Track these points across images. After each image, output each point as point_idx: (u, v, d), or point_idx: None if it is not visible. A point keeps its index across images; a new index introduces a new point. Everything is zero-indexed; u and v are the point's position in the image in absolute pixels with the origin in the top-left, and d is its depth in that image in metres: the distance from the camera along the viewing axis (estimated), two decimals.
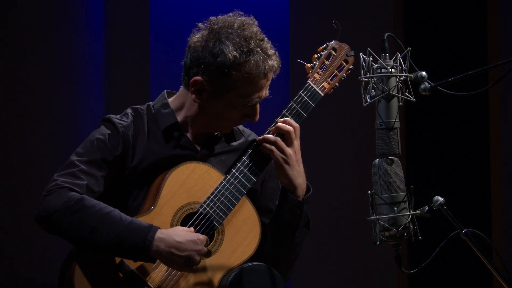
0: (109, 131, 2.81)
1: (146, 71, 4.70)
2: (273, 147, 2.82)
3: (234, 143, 2.94)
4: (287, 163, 2.82)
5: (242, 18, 2.83)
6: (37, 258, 4.59)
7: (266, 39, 2.83)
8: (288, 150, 2.82)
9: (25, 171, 4.56)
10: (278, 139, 2.82)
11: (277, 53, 2.84)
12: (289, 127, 2.83)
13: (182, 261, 2.66)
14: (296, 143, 2.84)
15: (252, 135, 3.00)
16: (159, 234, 2.65)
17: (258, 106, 2.84)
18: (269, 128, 2.85)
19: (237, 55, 2.75)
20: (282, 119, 2.85)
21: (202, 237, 2.70)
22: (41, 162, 4.56)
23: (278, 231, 2.87)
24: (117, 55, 4.69)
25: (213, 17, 2.85)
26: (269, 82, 2.82)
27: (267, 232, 2.90)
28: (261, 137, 2.84)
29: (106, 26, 4.71)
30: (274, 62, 2.80)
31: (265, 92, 2.83)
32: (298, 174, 2.84)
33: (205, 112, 2.84)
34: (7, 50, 4.61)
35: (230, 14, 2.85)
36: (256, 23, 2.84)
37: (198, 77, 2.80)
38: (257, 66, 2.76)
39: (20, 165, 4.58)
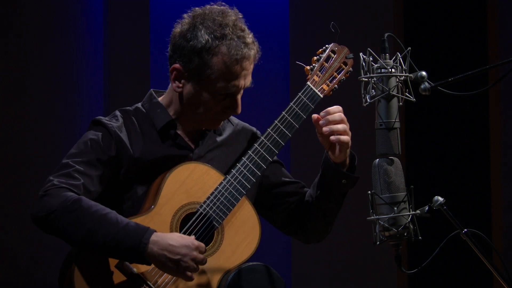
0: (101, 133, 2.81)
1: (146, 71, 4.70)
2: (348, 138, 2.81)
3: (224, 136, 2.94)
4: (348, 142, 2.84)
5: (224, 7, 2.84)
6: (38, 258, 4.59)
7: (247, 30, 2.82)
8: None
9: (26, 172, 4.56)
10: (347, 127, 2.81)
11: (256, 43, 2.82)
12: (338, 107, 2.84)
13: (174, 265, 2.63)
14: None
15: (240, 124, 3.00)
16: (154, 236, 2.63)
17: (239, 98, 2.82)
18: (268, 129, 2.85)
19: (209, 39, 2.76)
20: (335, 107, 2.83)
21: (197, 243, 2.67)
22: (41, 162, 4.56)
23: (331, 202, 2.88)
24: (117, 55, 4.69)
25: (197, 8, 2.86)
26: (246, 72, 2.80)
27: (317, 203, 2.89)
28: (328, 129, 2.80)
29: (106, 26, 4.71)
30: (250, 51, 2.79)
31: (243, 82, 2.81)
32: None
33: (187, 103, 2.83)
34: (8, 51, 4.61)
35: (214, 5, 2.86)
36: (240, 16, 2.84)
37: (176, 64, 2.82)
38: (230, 51, 2.76)
39: (21, 165, 4.58)
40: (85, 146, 2.78)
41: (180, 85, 2.83)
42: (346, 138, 2.81)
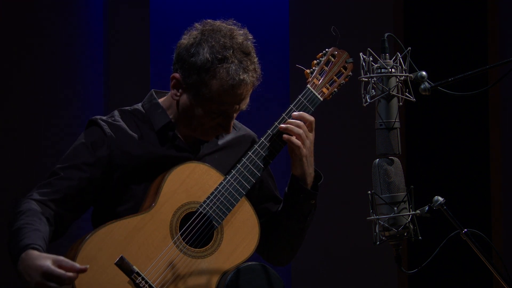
0: (94, 134, 2.82)
1: (146, 71, 4.70)
2: (300, 143, 2.82)
3: (225, 139, 2.94)
4: (306, 155, 2.84)
5: (234, 27, 2.82)
6: None
7: (252, 54, 2.80)
8: (308, 142, 2.84)
9: (25, 172, 4.56)
10: (302, 133, 2.82)
11: (258, 70, 2.80)
12: (311, 117, 2.85)
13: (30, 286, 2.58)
14: (313, 134, 2.87)
15: (243, 129, 3.00)
16: (24, 255, 2.58)
17: (231, 118, 2.82)
18: (268, 131, 2.85)
19: (209, 59, 2.75)
20: (297, 113, 2.85)
21: (46, 268, 2.52)
22: (41, 162, 4.56)
23: (291, 218, 2.90)
24: (117, 55, 4.69)
25: (210, 20, 2.85)
26: (242, 96, 2.79)
27: (279, 218, 2.92)
28: (285, 126, 2.82)
29: (106, 26, 4.71)
30: (247, 77, 2.77)
31: (238, 106, 2.80)
32: (311, 163, 2.87)
33: (182, 112, 2.84)
34: (7, 51, 4.61)
35: (228, 21, 2.84)
36: (250, 37, 2.82)
37: (177, 73, 2.82)
38: (228, 75, 2.75)
39: (20, 165, 4.58)
40: (75, 150, 2.81)
41: (178, 93, 2.84)
42: (297, 141, 2.81)
